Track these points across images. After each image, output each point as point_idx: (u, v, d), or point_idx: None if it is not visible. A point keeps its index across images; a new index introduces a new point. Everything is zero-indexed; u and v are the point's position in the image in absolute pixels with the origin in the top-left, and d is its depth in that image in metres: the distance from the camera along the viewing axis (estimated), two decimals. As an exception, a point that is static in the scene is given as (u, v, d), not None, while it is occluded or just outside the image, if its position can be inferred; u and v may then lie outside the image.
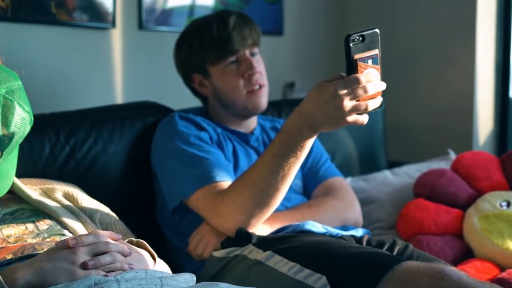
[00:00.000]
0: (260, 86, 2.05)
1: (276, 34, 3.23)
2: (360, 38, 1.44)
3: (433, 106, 3.26)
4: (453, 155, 2.72)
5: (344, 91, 1.46)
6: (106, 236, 1.29)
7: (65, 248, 1.22)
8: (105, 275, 1.21)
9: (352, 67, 1.46)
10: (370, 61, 1.47)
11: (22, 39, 2.23)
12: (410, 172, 2.57)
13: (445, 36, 3.18)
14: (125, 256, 1.28)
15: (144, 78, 2.65)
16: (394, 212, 2.31)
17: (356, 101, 1.48)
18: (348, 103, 1.47)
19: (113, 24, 2.48)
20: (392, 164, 2.83)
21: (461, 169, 2.34)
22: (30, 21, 2.24)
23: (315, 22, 3.46)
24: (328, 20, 3.51)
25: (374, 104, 1.50)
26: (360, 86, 1.45)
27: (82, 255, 1.22)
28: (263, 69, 2.09)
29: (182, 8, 2.77)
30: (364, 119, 1.52)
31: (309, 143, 1.62)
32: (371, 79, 1.46)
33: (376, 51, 1.47)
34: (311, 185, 2.14)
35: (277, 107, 2.55)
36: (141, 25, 2.61)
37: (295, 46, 3.36)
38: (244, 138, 2.11)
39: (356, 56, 1.45)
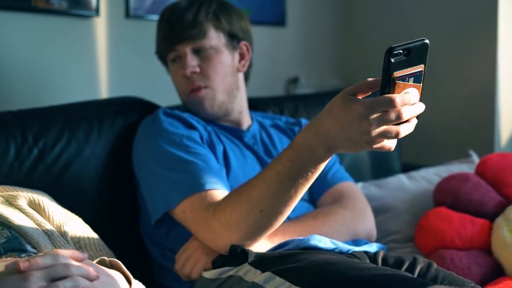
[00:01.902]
0: (199, 88, 1.93)
1: (278, 25, 3.18)
2: (405, 52, 1.22)
3: (451, 104, 3.21)
4: (475, 157, 2.63)
5: (374, 115, 1.25)
6: (68, 256, 1.13)
7: (16, 272, 1.07)
8: None
9: (388, 84, 1.23)
10: (411, 80, 1.24)
11: None
12: (428, 177, 2.44)
13: (465, 32, 3.14)
14: (90, 280, 1.13)
15: (131, 71, 2.58)
16: (411, 222, 2.18)
17: (386, 125, 1.27)
18: (376, 128, 1.26)
19: (97, 11, 2.39)
20: (407, 167, 2.76)
21: (487, 173, 2.20)
22: (2, 7, 2.14)
23: (321, 12, 3.42)
24: (335, 10, 3.46)
25: (407, 129, 1.28)
26: (394, 109, 1.24)
27: (36, 281, 1.06)
28: (214, 67, 1.94)
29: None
30: (391, 145, 1.31)
31: (323, 165, 1.42)
32: (409, 102, 1.24)
33: (421, 67, 1.24)
34: (317, 191, 1.98)
35: (279, 104, 2.48)
36: (128, 14, 2.52)
37: (299, 38, 3.32)
38: (237, 135, 1.98)
39: (396, 74, 1.22)
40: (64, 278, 1.08)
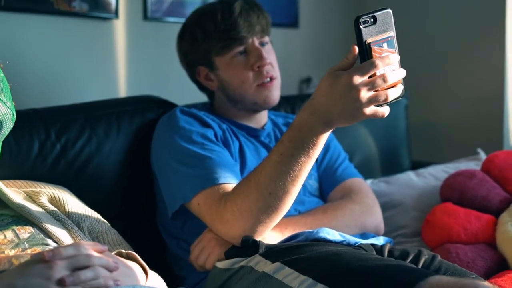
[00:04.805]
0: (271, 79, 1.95)
1: (291, 27, 3.19)
2: (372, 20, 1.32)
3: (460, 102, 3.21)
4: (483, 155, 2.63)
5: (360, 80, 1.34)
6: (89, 247, 1.19)
7: (41, 261, 1.13)
8: None
9: (365, 52, 1.33)
10: (385, 45, 1.34)
11: (17, 30, 2.16)
12: (436, 174, 2.47)
13: (474, 29, 3.13)
14: (110, 270, 1.19)
15: (149, 72, 2.59)
16: (419, 217, 2.21)
17: (374, 91, 1.35)
18: (365, 94, 1.35)
19: (116, 14, 2.41)
20: (416, 165, 2.76)
21: (493, 170, 2.23)
22: (26, 10, 2.17)
23: (333, 14, 3.42)
24: (347, 11, 3.44)
25: (395, 93, 1.37)
26: (378, 74, 1.33)
27: (60, 270, 1.12)
28: (275, 60, 1.99)
29: (196, -1, 2.73)
30: (384, 111, 1.39)
31: (323, 140, 1.49)
32: (389, 63, 1.34)
33: (390, 33, 1.34)
34: (327, 187, 2.03)
35: (291, 103, 2.49)
36: (146, 16, 2.55)
37: (311, 39, 3.33)
38: (254, 134, 2.01)
39: (369, 40, 1.32)
40: (85, 268, 1.14)
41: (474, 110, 3.14)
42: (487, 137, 3.07)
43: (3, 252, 1.32)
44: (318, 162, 2.05)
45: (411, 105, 2.91)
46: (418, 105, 3.13)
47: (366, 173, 2.41)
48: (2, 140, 1.41)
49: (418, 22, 3.29)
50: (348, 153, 2.23)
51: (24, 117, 1.80)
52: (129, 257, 1.35)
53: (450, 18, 3.20)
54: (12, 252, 1.32)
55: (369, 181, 2.43)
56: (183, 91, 2.33)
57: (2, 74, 1.38)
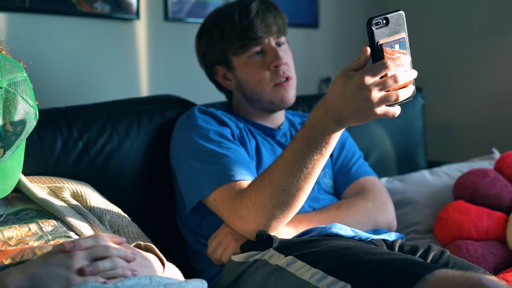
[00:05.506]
0: (288, 78, 1.97)
1: (311, 27, 3.21)
2: (384, 21, 1.34)
3: (477, 102, 3.20)
4: (497, 154, 2.62)
5: (372, 81, 1.36)
6: (108, 239, 1.23)
7: (62, 252, 1.17)
8: (104, 282, 1.16)
9: (377, 53, 1.35)
10: (397, 46, 1.35)
11: (40, 31, 2.19)
12: (450, 172, 2.48)
13: (491, 28, 3.13)
14: (128, 261, 1.23)
15: (170, 71, 2.62)
16: (432, 215, 2.22)
17: (385, 91, 1.36)
18: (376, 94, 1.36)
19: (137, 15, 2.45)
20: (432, 164, 2.74)
21: (506, 169, 2.23)
22: (49, 11, 2.20)
23: (353, 14, 3.43)
24: (366, 12, 3.42)
25: (406, 93, 1.38)
26: (390, 75, 1.35)
27: (79, 260, 1.16)
28: (291, 60, 2.01)
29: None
30: (395, 110, 1.40)
31: (335, 138, 1.51)
32: (401, 64, 1.35)
33: (402, 35, 1.36)
34: (342, 184, 2.05)
35: (309, 102, 2.50)
36: (167, 16, 2.58)
37: (331, 40, 3.34)
38: (270, 133, 2.03)
39: (381, 41, 1.34)
40: (104, 258, 1.18)
41: (491, 110, 3.13)
42: (503, 137, 3.04)
43: (27, 244, 1.36)
44: (333, 160, 2.07)
45: (427, 105, 2.90)
46: (435, 104, 3.12)
47: (382, 172, 2.44)
48: (26, 138, 1.44)
49: (436, 22, 3.29)
50: (365, 151, 2.25)
51: (47, 116, 1.84)
52: (147, 249, 1.38)
53: (468, 17, 3.19)
54: (36, 244, 1.36)
55: (384, 180, 2.44)
56: (202, 90, 2.36)
57: (25, 74, 1.41)
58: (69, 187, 1.63)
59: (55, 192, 1.60)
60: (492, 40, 3.11)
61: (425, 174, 2.50)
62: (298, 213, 1.69)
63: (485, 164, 2.51)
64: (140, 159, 2.00)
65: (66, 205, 1.56)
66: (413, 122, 2.78)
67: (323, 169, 1.79)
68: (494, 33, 3.10)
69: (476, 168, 2.30)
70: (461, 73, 3.22)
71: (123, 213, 1.68)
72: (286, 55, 1.98)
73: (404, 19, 1.35)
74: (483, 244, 1.99)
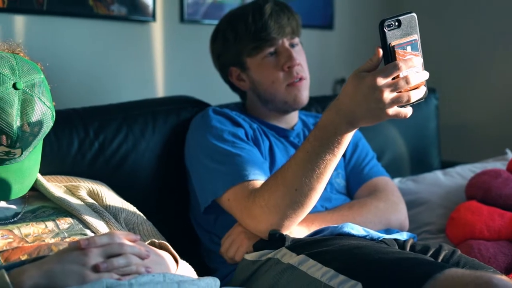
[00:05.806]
0: (301, 79, 1.98)
1: (326, 28, 3.21)
2: (396, 23, 1.35)
3: (491, 103, 3.20)
4: (510, 155, 2.63)
5: (384, 82, 1.36)
6: (122, 237, 1.25)
7: (77, 249, 1.19)
8: (118, 279, 1.17)
9: (389, 55, 1.36)
10: (409, 48, 1.36)
11: (58, 33, 2.21)
12: (463, 173, 2.47)
13: (504, 29, 3.12)
14: (142, 258, 1.25)
15: (185, 73, 2.64)
16: (444, 215, 2.22)
17: (397, 92, 1.37)
18: (388, 95, 1.37)
19: (154, 17, 2.46)
20: (446, 165, 2.75)
21: None
22: (66, 14, 2.22)
23: (367, 16, 3.43)
24: (381, 13, 3.41)
25: (417, 95, 1.39)
26: (402, 76, 1.35)
27: (94, 257, 1.19)
28: (304, 60, 2.02)
29: (234, 1, 2.75)
30: (407, 111, 1.41)
31: (347, 139, 1.52)
32: (412, 65, 1.36)
33: (414, 36, 1.36)
34: (354, 184, 2.06)
35: (322, 103, 2.50)
36: (182, 18, 2.59)
37: (346, 41, 3.35)
38: (283, 134, 2.04)
39: (393, 43, 1.35)
40: (118, 255, 1.20)
41: (505, 111, 3.12)
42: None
43: (44, 241, 1.38)
44: (346, 160, 2.08)
45: (441, 106, 2.90)
46: (448, 105, 3.11)
47: (396, 172, 2.44)
48: (43, 138, 1.46)
49: (449, 23, 3.28)
50: (378, 152, 2.25)
51: (64, 117, 1.86)
52: (161, 247, 1.40)
53: (481, 18, 3.19)
54: (52, 241, 1.39)
55: (397, 180, 2.44)
56: (217, 91, 2.37)
57: (42, 76, 1.43)
58: (86, 186, 1.65)
59: (71, 191, 1.62)
60: (506, 41, 3.10)
61: (438, 174, 2.50)
62: (311, 212, 1.70)
63: (498, 165, 2.50)
64: (155, 159, 2.02)
65: (82, 203, 1.58)
66: (427, 123, 2.78)
67: (335, 169, 1.82)
68: (508, 34, 3.09)
69: (488, 168, 2.31)
70: (475, 73, 3.22)
71: (138, 212, 1.69)
72: (300, 56, 1.99)
73: (416, 21, 1.36)
74: (495, 244, 1.99)
